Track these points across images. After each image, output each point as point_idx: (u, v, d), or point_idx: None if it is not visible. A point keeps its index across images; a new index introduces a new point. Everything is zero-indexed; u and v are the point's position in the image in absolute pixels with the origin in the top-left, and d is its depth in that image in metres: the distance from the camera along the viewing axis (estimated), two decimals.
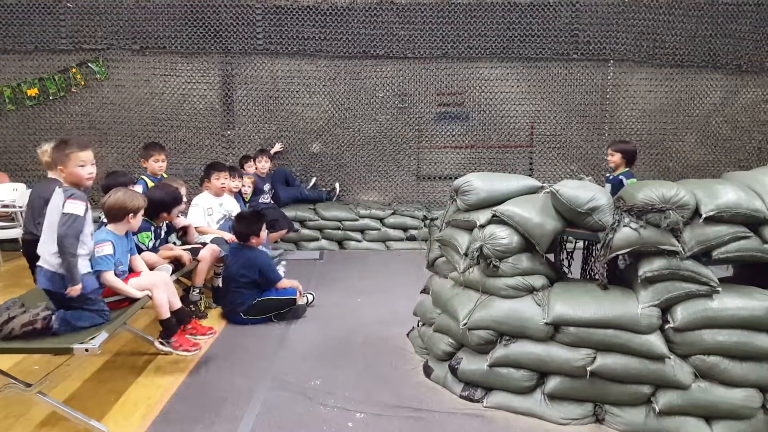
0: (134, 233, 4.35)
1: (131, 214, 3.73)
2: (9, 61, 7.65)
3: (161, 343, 3.80)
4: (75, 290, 3.17)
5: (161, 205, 4.53)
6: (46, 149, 4.43)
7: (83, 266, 3.26)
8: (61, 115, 7.77)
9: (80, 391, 3.52)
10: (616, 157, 5.66)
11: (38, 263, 3.25)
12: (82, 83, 7.71)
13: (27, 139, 7.55)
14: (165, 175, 5.56)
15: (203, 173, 5.67)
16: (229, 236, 5.37)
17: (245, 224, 4.96)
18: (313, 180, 8.12)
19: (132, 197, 3.78)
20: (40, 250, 3.23)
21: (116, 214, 3.72)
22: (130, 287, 3.65)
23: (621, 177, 5.56)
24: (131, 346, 4.22)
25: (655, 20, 7.79)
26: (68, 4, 7.57)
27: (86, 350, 2.95)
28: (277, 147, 7.96)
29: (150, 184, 5.37)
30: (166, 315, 3.77)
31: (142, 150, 5.67)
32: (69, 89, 7.70)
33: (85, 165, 3.30)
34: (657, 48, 7.87)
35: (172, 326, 3.82)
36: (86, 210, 3.24)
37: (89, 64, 7.68)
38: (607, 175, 5.92)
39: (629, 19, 7.80)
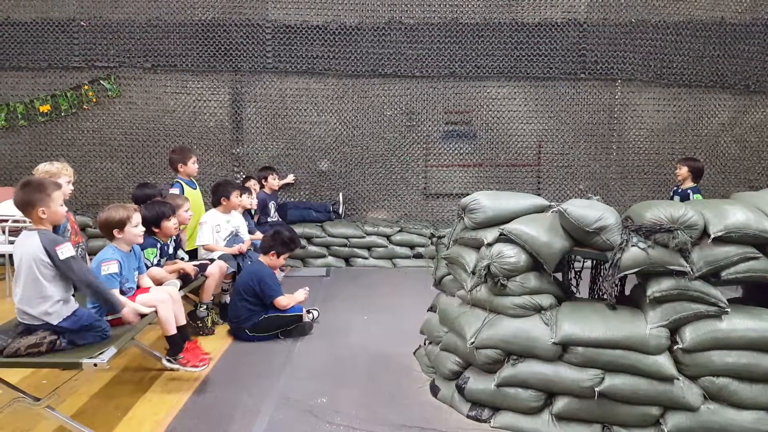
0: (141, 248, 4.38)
1: (116, 229, 3.69)
2: (23, 78, 7.77)
3: (168, 361, 3.78)
4: (128, 314, 3.44)
5: (146, 223, 4.51)
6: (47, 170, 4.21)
7: (67, 308, 3.10)
8: (73, 132, 7.86)
9: (88, 407, 3.53)
10: (683, 171, 5.84)
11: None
12: (94, 100, 7.81)
13: (39, 155, 7.60)
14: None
15: (213, 191, 5.68)
16: (237, 248, 5.38)
17: (278, 240, 5.01)
18: (342, 208, 7.92)
19: (114, 211, 3.70)
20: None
21: (105, 231, 3.74)
22: (138, 304, 3.62)
23: (689, 191, 5.67)
24: (138, 361, 4.23)
25: (663, 40, 7.82)
26: (81, 23, 7.69)
27: (95, 365, 2.95)
28: (290, 179, 7.96)
29: (186, 188, 5.55)
30: (173, 331, 3.75)
31: (174, 155, 5.75)
32: (81, 106, 7.79)
33: (61, 204, 3.19)
34: (665, 68, 7.88)
35: (178, 342, 3.79)
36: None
37: (101, 82, 7.79)
38: (675, 188, 6.02)
39: (637, 39, 7.83)
